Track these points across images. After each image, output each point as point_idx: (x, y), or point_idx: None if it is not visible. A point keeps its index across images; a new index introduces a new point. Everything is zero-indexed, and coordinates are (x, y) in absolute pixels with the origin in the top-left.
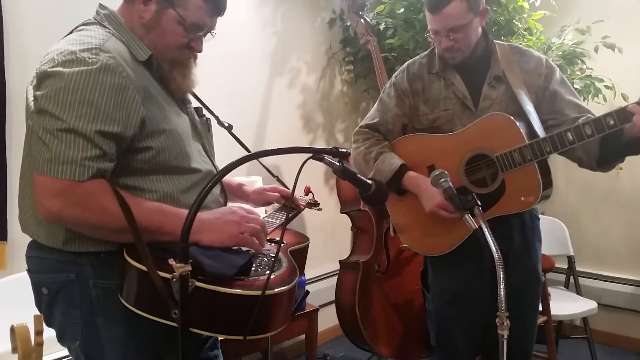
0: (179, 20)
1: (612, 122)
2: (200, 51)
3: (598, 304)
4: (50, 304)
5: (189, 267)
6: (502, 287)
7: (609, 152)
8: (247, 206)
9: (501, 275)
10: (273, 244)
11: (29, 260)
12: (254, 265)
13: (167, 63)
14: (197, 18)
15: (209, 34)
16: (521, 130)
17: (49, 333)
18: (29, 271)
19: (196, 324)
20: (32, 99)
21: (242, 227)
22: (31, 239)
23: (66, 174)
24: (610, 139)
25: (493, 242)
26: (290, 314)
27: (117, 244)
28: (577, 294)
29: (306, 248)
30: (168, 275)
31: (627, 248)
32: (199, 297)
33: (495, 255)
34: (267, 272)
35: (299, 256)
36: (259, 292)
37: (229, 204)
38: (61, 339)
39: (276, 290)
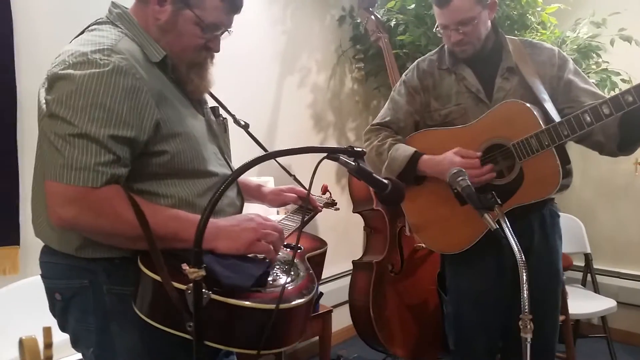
0: (196, 21)
1: (630, 98)
2: (217, 51)
3: (616, 302)
4: (64, 309)
5: (203, 272)
6: (525, 288)
7: (630, 133)
8: (264, 207)
9: (524, 277)
10: (289, 250)
11: (43, 265)
12: (271, 274)
13: (184, 65)
14: (214, 18)
15: (225, 32)
16: (537, 115)
17: (64, 336)
18: (43, 276)
19: (210, 337)
20: (44, 102)
21: (258, 234)
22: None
23: (79, 180)
24: (629, 118)
25: (516, 244)
26: (307, 326)
27: (131, 250)
28: (595, 292)
29: (324, 254)
30: (183, 287)
31: None
32: (213, 310)
33: (518, 256)
34: (287, 283)
35: (317, 262)
36: (273, 306)
37: (245, 205)
38: (75, 344)
39: (293, 303)
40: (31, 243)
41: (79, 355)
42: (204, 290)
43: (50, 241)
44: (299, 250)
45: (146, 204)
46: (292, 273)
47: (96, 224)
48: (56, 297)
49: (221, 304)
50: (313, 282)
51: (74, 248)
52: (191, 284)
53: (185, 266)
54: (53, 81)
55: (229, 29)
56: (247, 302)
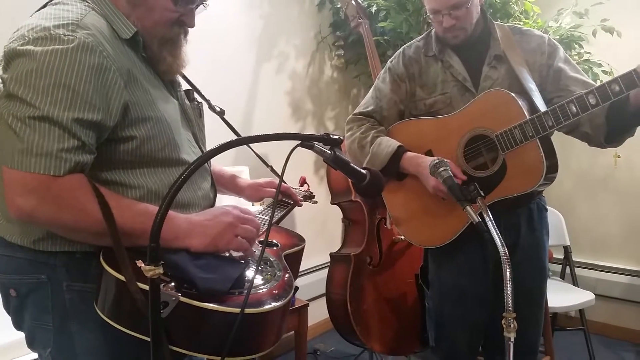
0: None
1: (617, 88)
2: (192, 26)
3: (594, 295)
4: (19, 307)
5: (161, 270)
6: (508, 285)
7: (617, 125)
8: (242, 200)
9: (508, 273)
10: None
11: None
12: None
13: (156, 41)
14: None
15: (201, 5)
16: (521, 105)
17: (19, 335)
18: None
19: (175, 342)
20: (0, 80)
21: (237, 230)
22: None
23: (40, 167)
24: (616, 109)
25: (498, 236)
26: (283, 331)
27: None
28: (574, 284)
29: (301, 251)
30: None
31: (622, 238)
32: (180, 313)
33: (502, 250)
34: (260, 284)
35: (294, 260)
36: (250, 310)
37: (219, 197)
38: (31, 344)
39: (265, 308)
40: None
41: (35, 355)
42: (173, 291)
43: (4, 232)
44: (275, 248)
45: (113, 196)
46: (268, 273)
47: (57, 216)
48: (11, 293)
49: (189, 306)
50: (290, 284)
51: (31, 240)
52: (163, 284)
53: (140, 263)
54: (11, 58)
55: (204, 2)
56: (218, 306)
